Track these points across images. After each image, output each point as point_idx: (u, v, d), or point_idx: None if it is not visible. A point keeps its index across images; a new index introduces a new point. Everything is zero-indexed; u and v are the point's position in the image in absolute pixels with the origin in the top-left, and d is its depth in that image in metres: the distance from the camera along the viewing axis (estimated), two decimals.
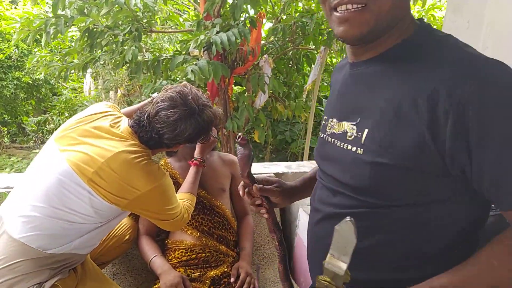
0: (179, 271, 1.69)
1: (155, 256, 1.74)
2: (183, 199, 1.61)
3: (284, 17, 3.80)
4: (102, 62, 3.38)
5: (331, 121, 0.84)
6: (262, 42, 3.77)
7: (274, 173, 2.26)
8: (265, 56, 3.59)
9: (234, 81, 4.02)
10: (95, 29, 3.24)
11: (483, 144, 0.61)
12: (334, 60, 4.47)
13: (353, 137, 0.75)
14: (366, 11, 0.66)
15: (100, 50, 3.39)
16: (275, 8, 3.90)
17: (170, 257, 1.79)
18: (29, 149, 6.04)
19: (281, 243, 0.98)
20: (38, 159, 1.40)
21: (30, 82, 5.70)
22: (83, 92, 6.14)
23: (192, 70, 2.81)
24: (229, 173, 2.01)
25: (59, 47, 4.84)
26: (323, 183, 0.86)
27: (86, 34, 3.25)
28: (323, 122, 0.92)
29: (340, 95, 0.85)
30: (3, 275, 1.22)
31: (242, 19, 3.24)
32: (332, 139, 0.82)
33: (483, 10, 2.41)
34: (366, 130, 0.72)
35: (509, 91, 0.61)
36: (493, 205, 1.75)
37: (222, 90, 3.65)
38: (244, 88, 3.99)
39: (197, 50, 3.26)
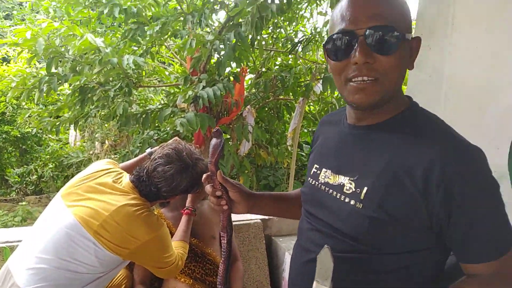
0: None
1: None
2: (177, 246, 1.72)
3: (264, 70, 4.09)
4: (93, 116, 3.54)
5: (325, 172, 0.95)
6: (245, 93, 4.02)
7: (260, 219, 2.40)
8: (248, 107, 3.83)
9: None
10: (86, 86, 3.43)
11: (460, 213, 0.77)
12: (312, 108, 4.75)
13: (351, 191, 0.86)
14: (377, 84, 0.81)
15: (91, 105, 3.55)
16: (256, 62, 4.19)
17: None
18: (13, 202, 5.99)
19: (229, 243, 1.06)
20: (45, 214, 1.52)
21: (19, 135, 5.78)
22: (68, 143, 6.23)
23: (181, 123, 2.99)
24: (218, 221, 2.13)
25: (47, 101, 5.00)
26: (314, 226, 0.96)
27: (78, 91, 3.43)
28: (314, 170, 1.01)
29: (337, 150, 0.96)
30: None
31: (226, 73, 3.49)
32: (327, 188, 0.93)
33: (443, 65, 2.71)
34: (366, 188, 0.84)
35: (482, 176, 0.78)
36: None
37: (208, 139, 3.83)
38: (229, 136, 4.19)
39: (184, 103, 3.47)
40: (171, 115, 3.44)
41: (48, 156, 5.85)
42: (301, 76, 3.63)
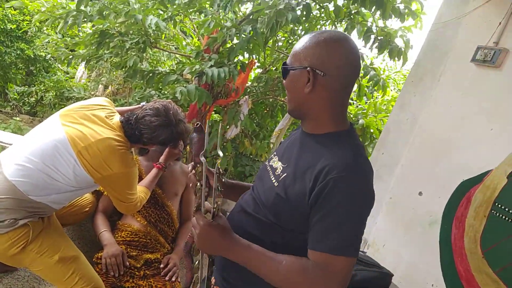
0: (121, 247, 2.06)
1: (105, 230, 2.11)
2: (140, 191, 1.98)
3: (271, 68, 4.36)
4: (104, 60, 3.77)
5: (275, 157, 1.24)
6: (247, 84, 4.29)
7: None
8: (246, 96, 4.10)
9: (214, 109, 4.49)
10: (107, 31, 3.67)
11: (320, 206, 0.99)
12: None
13: (277, 174, 1.16)
14: (287, 100, 1.16)
15: (106, 49, 3.79)
16: (267, 59, 4.46)
17: (116, 235, 2.15)
18: (7, 115, 6.20)
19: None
20: (41, 126, 1.77)
21: (32, 56, 5.98)
22: (74, 78, 6.44)
23: (181, 91, 3.25)
24: (185, 182, 2.42)
25: (67, 33, 5.20)
26: (252, 193, 1.25)
27: (98, 33, 3.67)
28: (272, 155, 1.29)
29: (288, 145, 1.25)
30: None
31: (236, 60, 3.75)
32: (268, 168, 1.22)
33: (419, 113, 3.02)
34: (285, 174, 1.13)
35: (353, 188, 0.98)
36: (374, 264, 2.27)
37: (201, 114, 4.10)
38: (221, 118, 4.45)
39: (190, 75, 3.73)
40: (175, 82, 3.69)
41: (52, 84, 6.06)
42: None
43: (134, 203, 1.87)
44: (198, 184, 1.13)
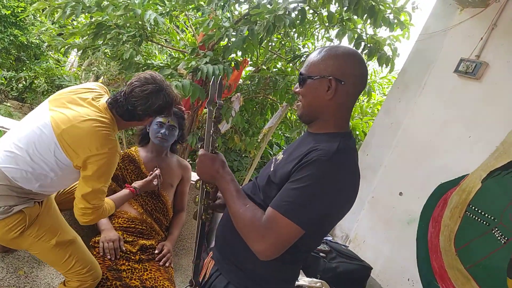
0: (118, 233, 2.15)
1: None
2: (107, 202, 1.86)
3: (264, 68, 4.49)
4: (102, 50, 3.82)
5: (283, 153, 1.37)
6: (240, 81, 4.40)
7: None
8: (238, 94, 4.21)
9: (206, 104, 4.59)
10: (105, 23, 3.72)
11: (293, 176, 1.10)
12: (291, 116, 5.19)
13: (277, 162, 1.30)
14: (300, 105, 1.27)
15: (102, 41, 3.85)
16: (259, 58, 4.58)
17: (113, 221, 2.24)
18: None
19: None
20: (33, 112, 1.72)
21: (25, 42, 5.95)
22: (64, 66, 6.42)
23: (176, 85, 3.34)
24: (180, 175, 2.52)
25: (62, 22, 5.21)
26: (255, 180, 1.38)
27: (95, 24, 3.72)
28: (281, 152, 1.42)
29: (294, 142, 1.38)
30: None
31: (230, 57, 3.85)
32: (273, 161, 1.35)
33: (403, 118, 3.20)
34: (280, 161, 1.28)
35: (313, 168, 1.07)
36: (355, 257, 2.44)
37: (193, 108, 4.20)
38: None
39: (184, 70, 3.82)
40: (169, 76, 3.78)
41: (41, 71, 6.04)
42: (292, 85, 4.04)
43: (97, 207, 1.70)
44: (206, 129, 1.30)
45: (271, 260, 1.13)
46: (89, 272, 1.75)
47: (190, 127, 4.17)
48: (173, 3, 3.66)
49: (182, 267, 2.53)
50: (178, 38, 5.08)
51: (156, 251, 2.20)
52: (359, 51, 3.50)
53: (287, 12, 2.98)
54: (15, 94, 6.55)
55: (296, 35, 4.14)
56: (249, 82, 4.43)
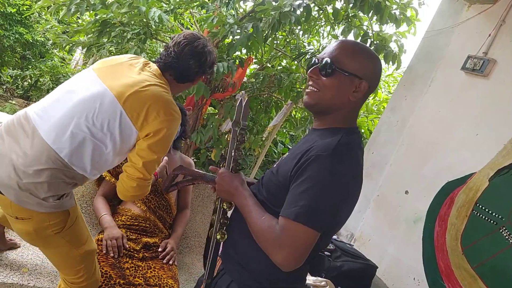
0: (121, 231, 2.14)
1: (105, 214, 2.19)
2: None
3: (268, 65, 4.46)
4: (107, 48, 3.82)
5: (288, 152, 1.35)
6: (244, 79, 4.38)
7: None
8: (242, 91, 4.19)
9: (210, 102, 4.58)
10: (109, 20, 3.71)
11: (296, 179, 1.09)
12: (296, 114, 5.16)
13: (281, 160, 1.27)
14: (316, 93, 1.19)
15: (107, 38, 3.84)
16: (264, 56, 4.56)
17: (117, 219, 2.23)
18: (0, 98, 6.18)
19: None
20: (76, 82, 1.55)
21: (31, 40, 5.97)
22: (69, 64, 6.44)
23: None
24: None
25: (66, 20, 5.21)
26: (261, 179, 1.36)
27: (100, 22, 3.72)
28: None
29: (300, 141, 1.35)
30: (35, 177, 1.38)
31: (235, 54, 3.83)
32: (281, 159, 1.33)
33: (409, 116, 3.17)
34: (282, 159, 1.26)
35: (326, 166, 1.04)
36: (360, 256, 2.42)
37: (198, 106, 4.18)
38: (217, 111, 4.54)
39: None
40: None
41: (47, 69, 6.05)
42: (297, 82, 4.02)
43: (150, 179, 1.64)
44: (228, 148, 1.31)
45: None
46: (87, 281, 1.66)
47: (195, 125, 4.16)
48: (178, 0, 3.64)
49: (186, 265, 2.52)
50: None
51: (160, 249, 2.19)
52: None
53: (292, 9, 2.94)
54: (21, 92, 6.58)
55: (301, 32, 4.11)
56: (254, 80, 4.41)
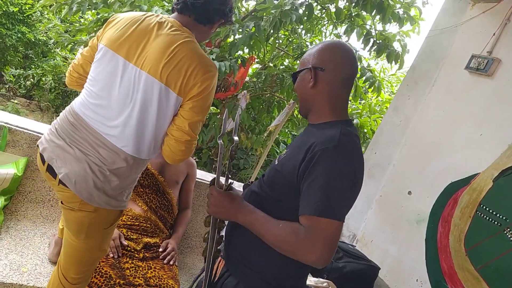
0: (121, 231, 2.13)
1: None
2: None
3: (271, 65, 4.44)
4: None
5: (287, 149, 1.37)
6: (246, 79, 4.37)
7: None
8: (244, 91, 4.18)
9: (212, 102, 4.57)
10: None
11: (309, 175, 1.11)
12: (298, 114, 5.14)
13: (282, 157, 1.30)
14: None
15: None
16: (266, 55, 4.54)
17: None
18: (3, 97, 6.19)
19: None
20: (105, 73, 1.43)
21: (33, 40, 5.97)
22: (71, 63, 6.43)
23: None
24: (186, 171, 2.50)
25: (67, 19, 5.21)
26: (261, 178, 1.38)
27: (101, 20, 3.71)
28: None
29: (298, 137, 1.38)
30: (110, 176, 1.39)
31: (236, 55, 3.82)
32: (279, 156, 1.36)
33: (412, 116, 3.14)
34: (285, 154, 1.28)
35: (336, 160, 1.09)
36: (363, 257, 2.41)
37: None
38: (219, 111, 4.53)
39: None
40: None
41: (49, 68, 6.05)
42: None
43: (194, 141, 1.54)
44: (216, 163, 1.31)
45: (281, 258, 1.13)
46: (80, 284, 1.63)
47: None
48: None
49: (186, 265, 2.51)
50: None
51: (161, 249, 2.18)
52: (368, 47, 3.44)
53: (294, 8, 2.92)
54: (23, 91, 6.59)
55: (303, 31, 4.09)
56: (256, 79, 4.39)
